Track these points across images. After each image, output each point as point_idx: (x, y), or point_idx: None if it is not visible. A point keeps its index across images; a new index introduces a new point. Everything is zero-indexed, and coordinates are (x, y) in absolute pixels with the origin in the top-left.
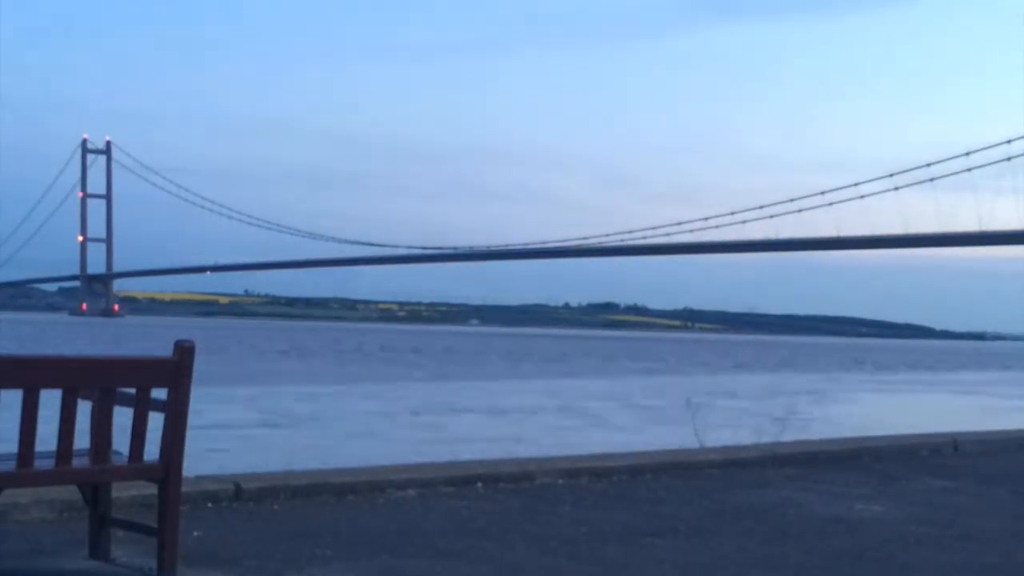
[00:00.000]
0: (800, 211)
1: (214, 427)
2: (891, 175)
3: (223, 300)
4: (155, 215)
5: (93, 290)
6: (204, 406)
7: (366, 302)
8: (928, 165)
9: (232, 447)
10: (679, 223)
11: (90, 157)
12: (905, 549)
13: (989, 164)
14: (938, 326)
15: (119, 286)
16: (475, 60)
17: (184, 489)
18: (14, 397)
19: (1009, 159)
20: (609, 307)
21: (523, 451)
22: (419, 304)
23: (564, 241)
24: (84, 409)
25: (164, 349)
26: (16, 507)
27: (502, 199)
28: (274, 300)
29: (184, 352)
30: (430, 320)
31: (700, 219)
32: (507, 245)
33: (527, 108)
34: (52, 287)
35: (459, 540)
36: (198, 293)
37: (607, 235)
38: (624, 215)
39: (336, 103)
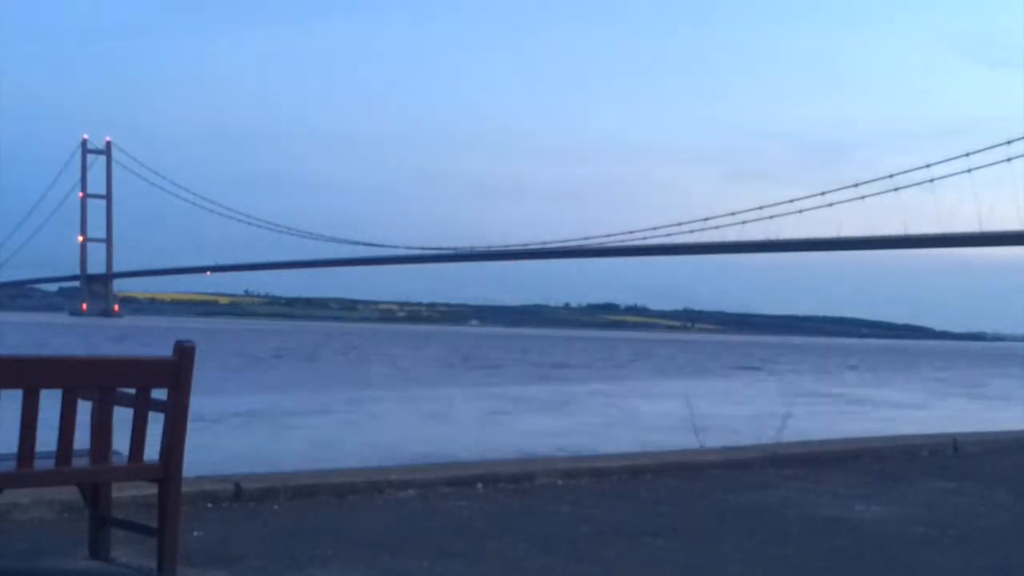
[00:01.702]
0: (800, 212)
1: None
2: (891, 176)
3: (223, 300)
4: (155, 215)
5: (93, 290)
6: None
7: (366, 302)
8: (928, 166)
9: None
10: (679, 223)
11: (90, 157)
12: (905, 549)
13: (989, 165)
14: (938, 326)
15: (119, 286)
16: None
17: (184, 489)
18: (14, 397)
19: (1009, 160)
20: (609, 307)
21: (523, 451)
22: (419, 304)
23: (565, 241)
24: (84, 409)
25: (165, 349)
26: (16, 507)
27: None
28: (274, 300)
29: (184, 352)
30: (430, 320)
31: (700, 219)
32: (507, 245)
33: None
34: (52, 287)
35: (459, 540)
36: (198, 293)
37: (608, 235)
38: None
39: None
